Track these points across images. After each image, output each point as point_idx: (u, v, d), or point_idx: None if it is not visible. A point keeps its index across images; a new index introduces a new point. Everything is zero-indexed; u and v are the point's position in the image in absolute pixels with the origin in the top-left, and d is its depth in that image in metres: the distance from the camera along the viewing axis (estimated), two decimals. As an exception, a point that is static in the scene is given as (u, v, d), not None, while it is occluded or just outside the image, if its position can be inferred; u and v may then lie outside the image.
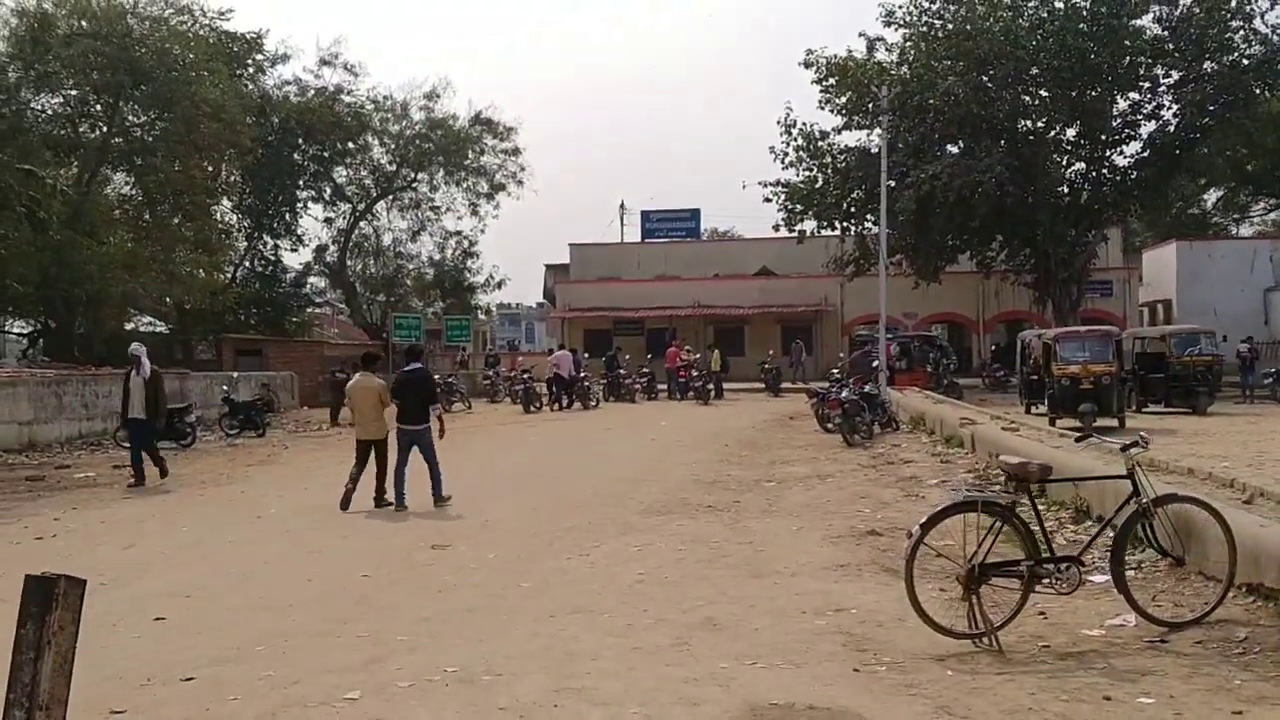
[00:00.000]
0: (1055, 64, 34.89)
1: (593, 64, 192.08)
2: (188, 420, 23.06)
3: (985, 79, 36.46)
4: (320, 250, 48.48)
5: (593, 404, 31.63)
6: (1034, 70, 35.70)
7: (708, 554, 9.65)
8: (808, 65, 38.19)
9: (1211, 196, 55.26)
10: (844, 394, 20.99)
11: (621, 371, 35.50)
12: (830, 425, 22.81)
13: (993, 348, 40.68)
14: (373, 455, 13.14)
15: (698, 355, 36.58)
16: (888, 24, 37.57)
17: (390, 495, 12.94)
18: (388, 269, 48.66)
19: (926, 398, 26.44)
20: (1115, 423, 21.30)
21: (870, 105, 37.39)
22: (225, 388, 27.37)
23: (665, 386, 35.81)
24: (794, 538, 10.48)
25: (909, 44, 37.55)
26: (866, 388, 21.91)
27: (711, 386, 33.96)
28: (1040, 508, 7.50)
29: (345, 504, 12.64)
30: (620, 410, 31.52)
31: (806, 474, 15.89)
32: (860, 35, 38.53)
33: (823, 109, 38.61)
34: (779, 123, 38.59)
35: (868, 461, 17.34)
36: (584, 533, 10.99)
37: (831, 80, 37.91)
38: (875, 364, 27.95)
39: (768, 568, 8.99)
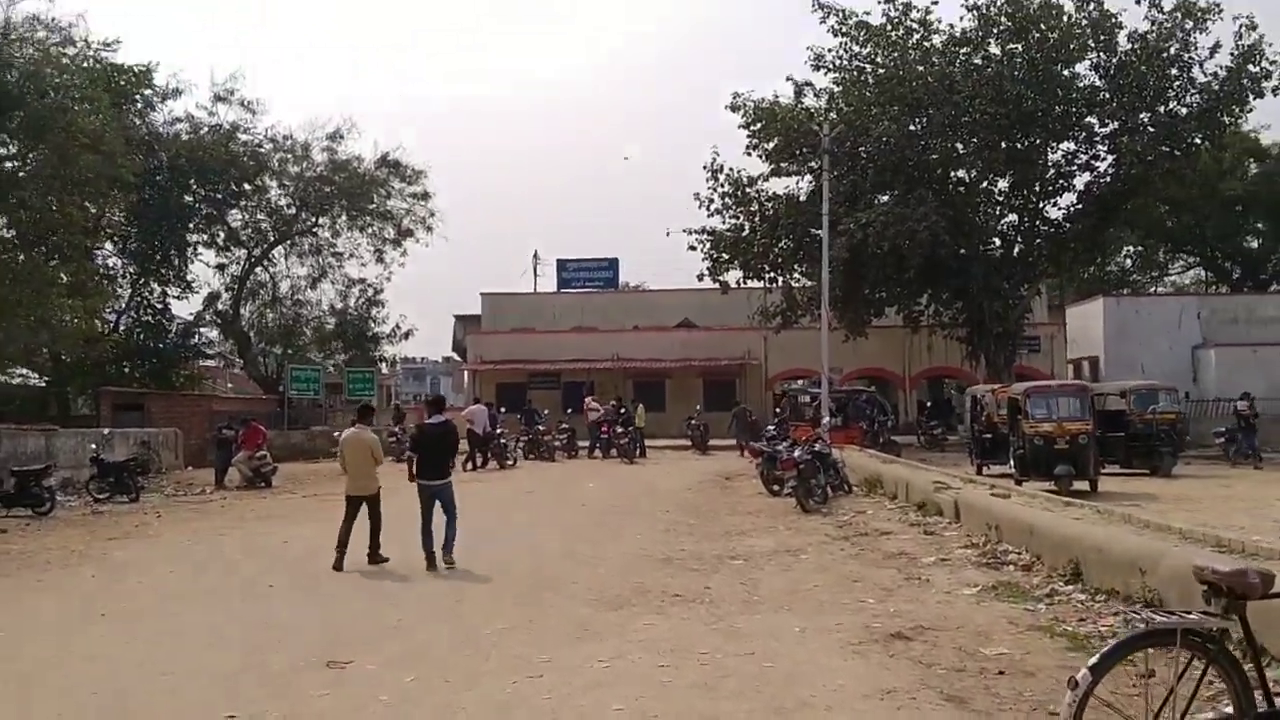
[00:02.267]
0: (990, 111, 33.74)
1: (506, 109, 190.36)
2: (45, 484, 20.02)
3: (918, 125, 35.20)
4: (212, 298, 44.98)
5: (510, 463, 29.06)
6: (967, 118, 34.50)
7: (701, 673, 7.26)
8: (734, 109, 36.55)
9: (1128, 256, 55.08)
10: (797, 453, 18.84)
11: (540, 427, 32.98)
12: (777, 488, 20.75)
13: (927, 404, 39.06)
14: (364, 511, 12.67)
15: (611, 405, 34.22)
16: (816, 68, 36.19)
17: (393, 553, 12.53)
18: (285, 318, 45.30)
19: (871, 457, 24.49)
20: (1086, 485, 19.52)
21: (800, 151, 35.92)
22: (94, 446, 24.20)
23: (585, 443, 33.40)
24: (802, 644, 8.15)
25: (839, 88, 36.16)
26: (817, 446, 19.77)
27: (637, 445, 31.67)
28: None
29: (338, 566, 12.12)
30: (540, 470, 28.95)
31: (773, 548, 13.61)
32: (788, 79, 37.12)
33: (750, 154, 37.00)
34: (705, 168, 36.93)
35: (836, 532, 15.15)
36: (527, 636, 8.54)
37: (759, 125, 36.27)
38: (823, 419, 25.95)
39: (790, 697, 6.64)
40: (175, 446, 31.89)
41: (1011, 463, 20.45)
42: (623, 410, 33.83)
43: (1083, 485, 19.36)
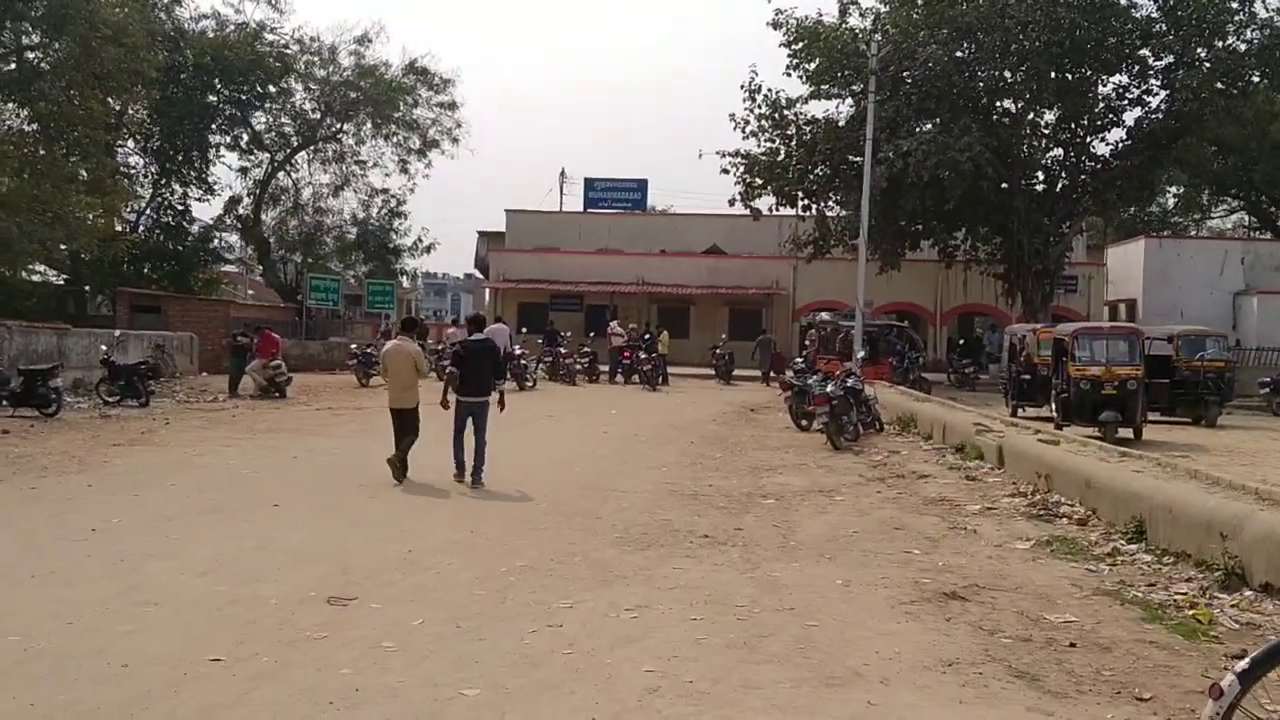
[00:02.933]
0: (1041, 39, 32.28)
1: (542, 23, 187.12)
2: (52, 384, 19.36)
3: (966, 51, 33.78)
4: (233, 202, 44.26)
5: (530, 384, 28.35)
6: (1016, 45, 33.05)
7: (737, 631, 6.54)
8: (775, 26, 35.12)
9: (1171, 197, 53.42)
10: (829, 388, 18.03)
11: (562, 350, 32.24)
12: (806, 423, 20.03)
13: (960, 342, 38.07)
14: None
15: (633, 329, 33.45)
16: (864, -16, 34.64)
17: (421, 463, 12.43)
18: (306, 226, 44.53)
19: (903, 394, 23.69)
20: (1131, 434, 18.69)
21: (842, 74, 34.55)
22: (105, 348, 23.61)
23: (606, 368, 32.70)
24: (848, 600, 7.43)
25: (886, 8, 34.68)
26: (850, 381, 18.95)
27: (660, 372, 30.96)
28: None
29: (399, 477, 12.17)
30: (561, 393, 28.28)
31: (804, 487, 12.90)
32: (834, -3, 35.53)
33: (789, 75, 35.62)
34: (743, 87, 35.52)
35: (870, 472, 14.41)
36: (546, 577, 7.85)
37: (801, 44, 34.88)
38: (855, 353, 25.08)
39: (839, 665, 5.91)
40: (191, 351, 31.35)
41: (1052, 406, 19.64)
42: (647, 335, 33.07)
43: (1126, 433, 18.59)
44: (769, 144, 36.30)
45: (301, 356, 34.00)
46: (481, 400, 12.49)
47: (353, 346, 30.52)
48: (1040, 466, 12.35)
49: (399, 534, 9.31)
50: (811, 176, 36.35)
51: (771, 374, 33.68)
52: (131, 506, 10.33)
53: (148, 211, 42.25)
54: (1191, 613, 7.22)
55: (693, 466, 14.76)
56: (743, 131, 36.10)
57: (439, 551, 8.63)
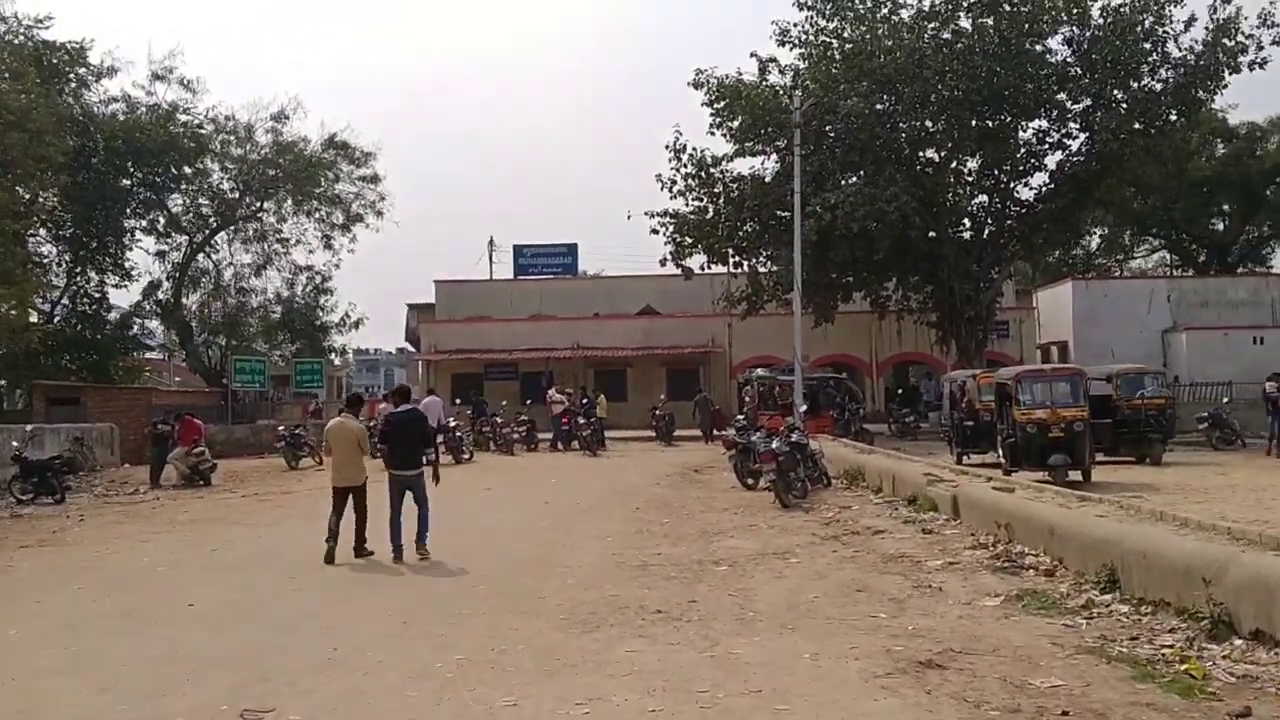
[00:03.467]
0: (960, 87, 32.65)
1: (458, 95, 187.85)
2: (-46, 487, 18.30)
3: (887, 102, 34.02)
4: (152, 287, 43.00)
5: (466, 457, 27.53)
6: (936, 95, 33.37)
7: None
8: (697, 86, 35.16)
9: (1094, 238, 54.34)
10: (775, 444, 17.54)
11: (498, 419, 31.49)
12: (752, 482, 19.49)
13: (898, 391, 37.95)
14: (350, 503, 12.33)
15: (570, 394, 32.84)
16: (782, 43, 34.81)
17: (370, 545, 12.22)
18: (229, 308, 43.42)
19: (846, 446, 23.32)
20: (1079, 476, 18.41)
21: (766, 130, 34.60)
22: (16, 444, 22.46)
23: (546, 435, 32.01)
24: (818, 676, 6.83)
25: (805, 64, 34.85)
26: (794, 436, 18.49)
27: (600, 437, 30.34)
28: None
29: (330, 559, 11.82)
30: (498, 464, 27.48)
31: (758, 550, 12.31)
32: (752, 55, 35.65)
33: (714, 133, 35.59)
34: (668, 147, 35.44)
35: (823, 530, 13.88)
36: (487, 670, 7.16)
37: (723, 102, 34.91)
38: (797, 407, 24.69)
39: (818, 755, 5.33)
40: (112, 442, 30.16)
41: (999, 452, 19.32)
42: (584, 400, 32.49)
43: (1074, 476, 18.31)
44: (697, 202, 36.23)
45: (228, 441, 32.89)
46: (415, 473, 12.32)
47: (280, 429, 29.49)
48: (999, 515, 11.91)
49: (324, 630, 8.56)
50: (741, 233, 36.25)
51: (713, 432, 33.24)
52: (30, 616, 9.46)
53: (63, 301, 40.95)
54: (1183, 668, 6.73)
55: (639, 534, 14.12)
56: (670, 191, 36.00)
57: (368, 647, 7.89)
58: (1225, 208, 51.45)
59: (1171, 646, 7.22)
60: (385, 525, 12.04)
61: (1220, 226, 52.54)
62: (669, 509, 16.95)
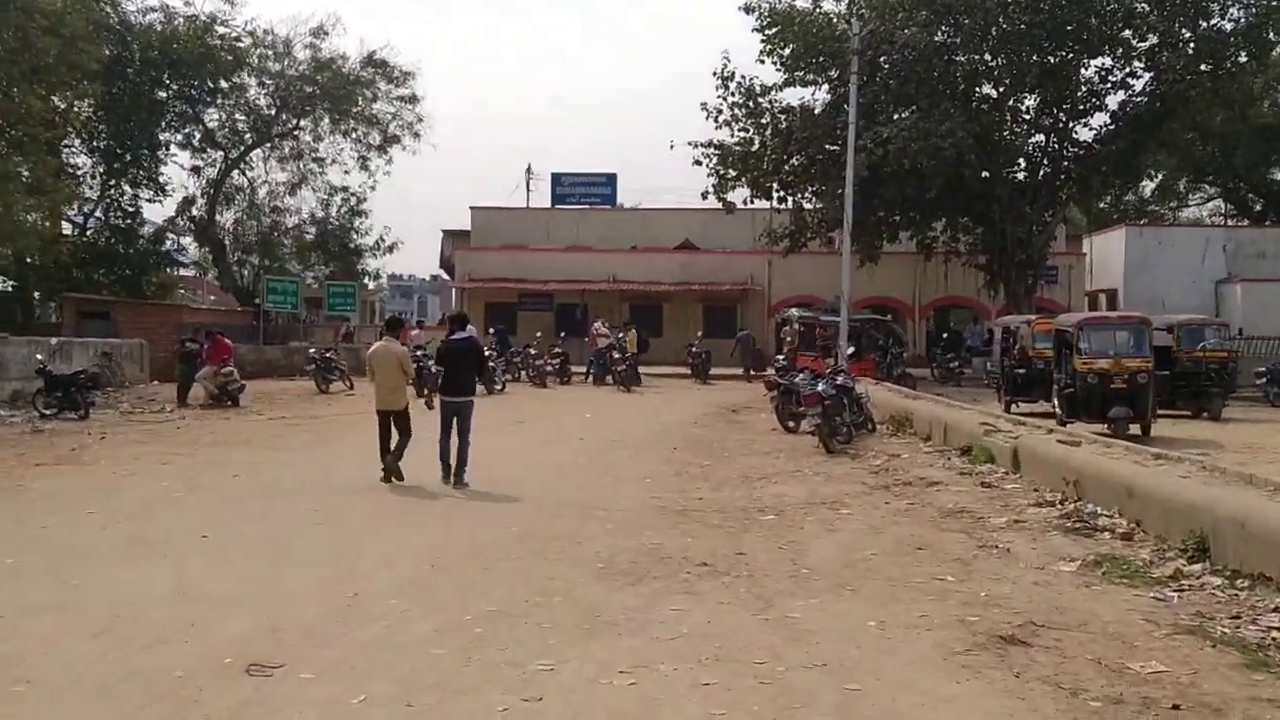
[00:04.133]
0: (1023, 20, 31.30)
1: (500, 13, 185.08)
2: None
3: (945, 34, 32.68)
4: (187, 202, 42.49)
5: (499, 387, 26.92)
6: (997, 28, 32.03)
7: (763, 700, 5.20)
8: (748, 10, 33.86)
9: (1146, 185, 52.60)
10: (820, 387, 16.77)
11: (531, 350, 30.83)
12: (793, 425, 18.79)
13: (941, 335, 36.88)
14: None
15: (615, 332, 32.14)
16: (840, -33, 33.46)
17: (408, 475, 12.19)
18: (263, 226, 42.82)
19: (890, 391, 22.50)
20: (1138, 430, 17.53)
21: (818, 60, 33.35)
22: (40, 357, 22.02)
23: (581, 369, 31.39)
24: (888, 649, 6.13)
25: (862, -11, 33.49)
26: (839, 379, 17.71)
27: (636, 372, 29.66)
28: None
29: (387, 478, 12.08)
30: (531, 397, 26.88)
31: (805, 499, 11.62)
32: (808, -21, 34.27)
33: (763, 62, 34.32)
34: (715, 74, 34.23)
35: (872, 480, 13.16)
36: (520, 626, 6.50)
37: (775, 29, 33.62)
38: (843, 349, 23.86)
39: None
40: (141, 358, 29.82)
41: (1054, 402, 18.43)
42: (619, 335, 31.85)
43: (1133, 429, 17.43)
44: (743, 134, 35.05)
45: (259, 362, 32.50)
46: (466, 399, 12.39)
47: (311, 351, 28.94)
48: (1066, 471, 11.12)
49: (346, 571, 7.94)
50: (787, 167, 35.10)
51: (752, 371, 32.53)
52: (34, 542, 8.91)
53: (96, 214, 40.50)
54: (1301, 656, 5.99)
55: (679, 476, 13.45)
56: (715, 121, 34.85)
57: (392, 594, 7.26)
58: (1287, 156, 49.51)
59: (1280, 629, 6.47)
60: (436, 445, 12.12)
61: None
62: (708, 450, 16.27)
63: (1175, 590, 7.53)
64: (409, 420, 12.39)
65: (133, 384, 27.73)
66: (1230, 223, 52.10)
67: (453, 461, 12.07)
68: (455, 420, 12.16)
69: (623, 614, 6.80)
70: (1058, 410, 18.03)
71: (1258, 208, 51.47)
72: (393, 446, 12.22)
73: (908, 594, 7.40)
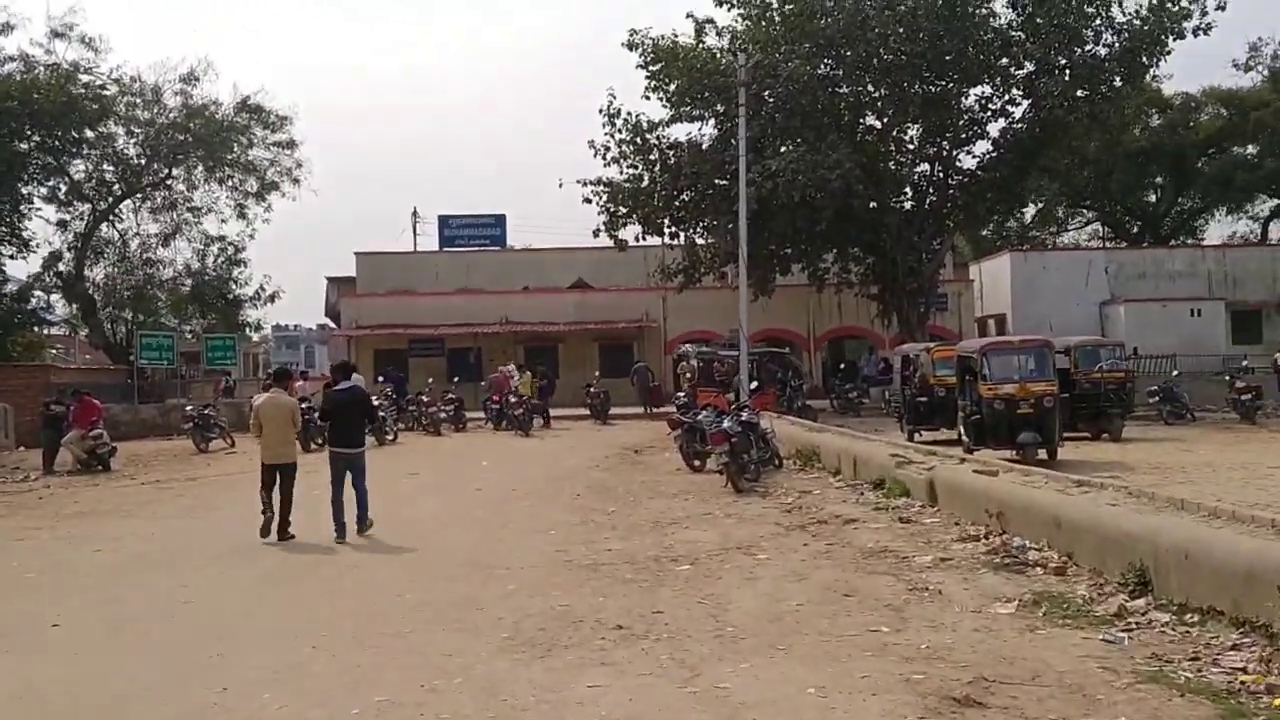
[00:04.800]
0: (903, 51, 31.55)
1: (376, 59, 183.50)
2: None
3: (828, 66, 32.82)
4: (53, 258, 40.29)
5: (390, 438, 25.82)
6: (878, 59, 32.29)
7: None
8: (631, 47, 33.58)
9: (1028, 210, 53.78)
10: (726, 424, 16.22)
11: (424, 397, 29.77)
12: (699, 464, 18.23)
13: (839, 365, 36.83)
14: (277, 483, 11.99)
15: (515, 376, 31.29)
16: (720, 3, 33.35)
17: (294, 529, 11.96)
18: (136, 280, 40.82)
19: (794, 424, 22.10)
20: (1045, 454, 17.33)
21: (704, 94, 33.20)
22: (-115, 429, 20.34)
23: (476, 415, 30.42)
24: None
25: (744, 25, 33.46)
26: (744, 415, 17.19)
27: (533, 415, 28.84)
28: None
29: (265, 532, 11.76)
30: (425, 445, 25.83)
31: (719, 544, 10.99)
32: (688, 16, 34.14)
33: (649, 98, 34.06)
34: (601, 111, 33.81)
35: (786, 519, 12.62)
36: (416, 713, 5.70)
37: (659, 65, 33.39)
38: (744, 384, 23.41)
39: None
40: (5, 424, 28.00)
41: (960, 430, 18.15)
42: (544, 380, 31.34)
43: (1041, 454, 17.22)
44: (631, 170, 34.65)
45: (134, 422, 30.84)
46: (358, 450, 12.28)
47: (188, 408, 27.42)
48: (988, 503, 10.70)
49: (213, 660, 7.01)
50: (677, 202, 34.81)
51: (651, 408, 32.02)
52: None
53: (-47, 272, 38.18)
54: (1276, 703, 5.51)
55: (584, 525, 12.72)
56: (604, 158, 34.38)
57: (266, 684, 6.37)
58: (1159, 180, 51.15)
59: (1245, 670, 6.00)
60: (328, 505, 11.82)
61: (1153, 198, 52.32)
62: (614, 495, 15.57)
63: (1123, 630, 7.07)
64: (294, 476, 12.06)
65: (-4, 452, 25.99)
66: (1109, 245, 53.53)
67: (346, 520, 11.79)
68: (349, 473, 11.99)
69: (532, 694, 6.04)
70: (964, 438, 17.74)
71: (1134, 229, 53.00)
72: (276, 503, 11.82)
73: (843, 650, 6.79)
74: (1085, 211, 54.33)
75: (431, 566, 10.12)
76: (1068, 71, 32.32)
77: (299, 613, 8.49)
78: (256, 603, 8.93)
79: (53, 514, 15.15)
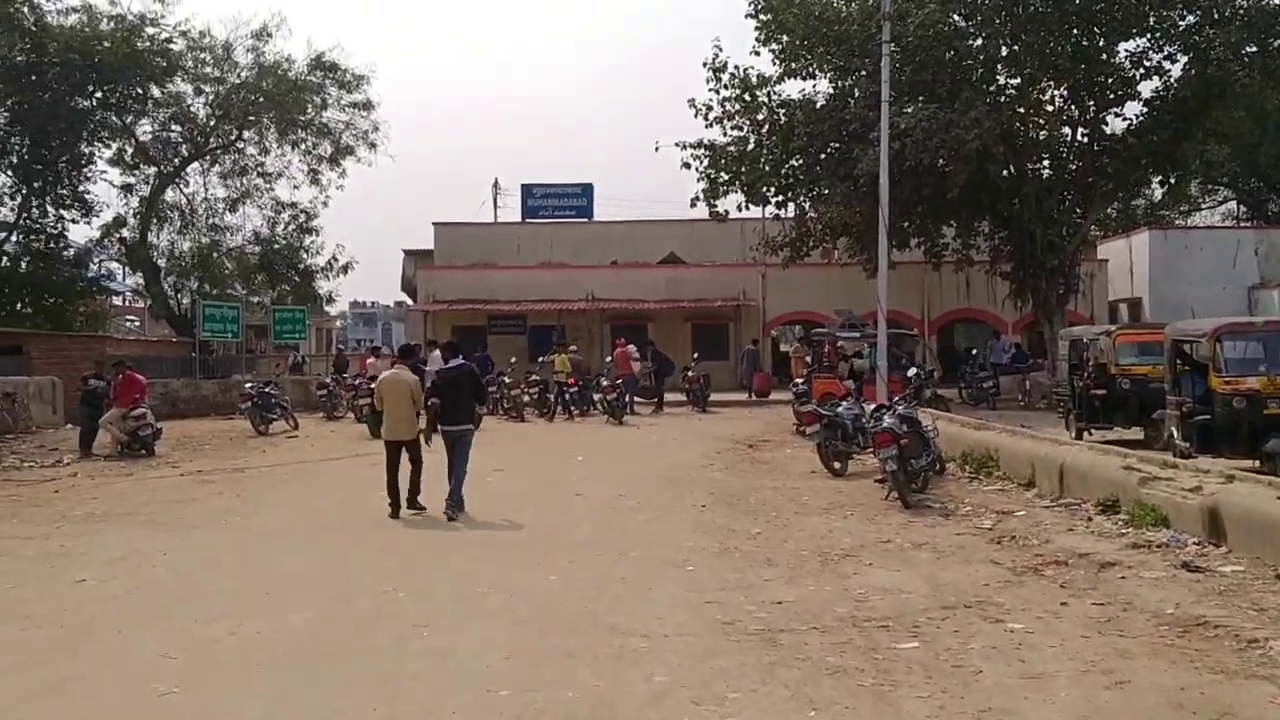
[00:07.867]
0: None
1: (462, 16, 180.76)
2: None
3: (962, 14, 29.09)
4: (117, 223, 38.10)
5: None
6: (1020, 7, 28.48)
7: None
8: (741, -7, 30.15)
9: (1158, 187, 49.19)
10: (887, 421, 12.90)
11: (505, 379, 26.75)
12: (839, 465, 15.09)
13: (970, 351, 33.10)
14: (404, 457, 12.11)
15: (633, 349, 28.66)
16: (842, -57, 29.77)
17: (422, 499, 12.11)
18: (202, 247, 38.44)
19: (952, 421, 18.57)
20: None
21: (821, 47, 29.64)
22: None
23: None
24: None
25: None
26: (901, 409, 13.84)
27: (627, 400, 25.83)
28: None
29: (395, 513, 11.79)
30: (508, 433, 22.78)
31: (929, 596, 7.78)
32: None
33: (758, 53, 30.55)
34: (705, 65, 30.42)
35: (996, 552, 9.37)
36: None
37: (770, 14, 29.88)
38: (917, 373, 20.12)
39: None
40: (53, 398, 25.61)
41: (1173, 432, 14.50)
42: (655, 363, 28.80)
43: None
44: (736, 131, 31.22)
45: (194, 399, 28.39)
46: (463, 428, 12.28)
47: (246, 386, 24.72)
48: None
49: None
50: (785, 169, 31.34)
51: (755, 394, 28.91)
52: None
53: (13, 237, 36.07)
54: None
55: (727, 554, 9.56)
56: (706, 118, 30.92)
57: None
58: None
59: None
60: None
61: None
62: (747, 507, 12.37)
63: None
64: (420, 449, 12.22)
65: (43, 428, 23.67)
66: (1247, 225, 48.81)
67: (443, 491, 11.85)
68: (453, 449, 12.00)
69: None
70: (1179, 442, 14.11)
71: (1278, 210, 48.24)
72: (410, 477, 12.05)
73: None
74: (1223, 190, 49.56)
75: (531, 635, 6.96)
76: (1238, 21, 28.16)
77: (330, 702, 5.40)
78: (255, 691, 5.86)
79: (59, 515, 12.33)
